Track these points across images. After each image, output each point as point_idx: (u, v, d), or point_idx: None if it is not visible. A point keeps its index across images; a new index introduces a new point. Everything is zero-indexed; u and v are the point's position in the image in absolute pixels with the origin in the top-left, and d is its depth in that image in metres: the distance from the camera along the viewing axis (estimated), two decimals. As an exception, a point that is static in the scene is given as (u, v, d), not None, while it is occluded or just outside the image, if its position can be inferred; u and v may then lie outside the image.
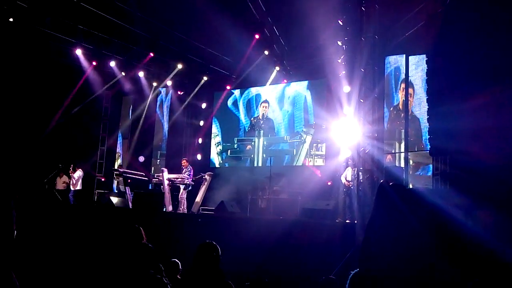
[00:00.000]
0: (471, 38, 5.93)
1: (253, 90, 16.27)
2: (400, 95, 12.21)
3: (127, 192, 12.64)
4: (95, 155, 17.34)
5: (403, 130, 11.80)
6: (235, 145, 16.36)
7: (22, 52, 14.15)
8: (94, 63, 15.88)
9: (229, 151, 16.56)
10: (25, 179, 14.26)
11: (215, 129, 16.96)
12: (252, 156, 15.90)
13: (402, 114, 12.06)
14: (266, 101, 15.96)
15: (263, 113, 15.96)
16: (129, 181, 13.69)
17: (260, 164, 15.50)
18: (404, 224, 1.94)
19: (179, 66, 15.69)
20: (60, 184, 14.49)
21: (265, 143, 15.72)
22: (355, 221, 8.55)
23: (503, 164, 5.21)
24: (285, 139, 15.28)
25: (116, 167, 16.11)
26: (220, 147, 16.73)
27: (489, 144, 5.46)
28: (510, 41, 5.54)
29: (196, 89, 16.82)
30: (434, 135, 6.63)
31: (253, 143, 15.92)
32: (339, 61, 11.17)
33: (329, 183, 12.17)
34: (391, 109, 12.42)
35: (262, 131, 15.77)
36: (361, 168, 8.84)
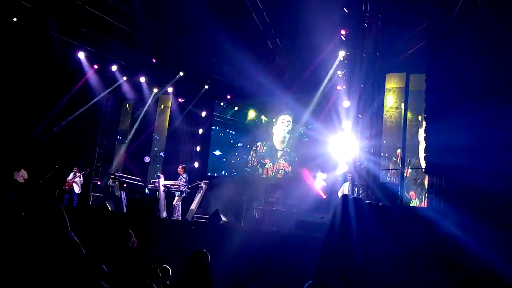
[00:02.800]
0: (468, 57, 5.98)
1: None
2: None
3: (123, 196, 12.59)
4: (92, 158, 17.38)
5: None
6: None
7: (25, 52, 14.15)
8: (95, 67, 15.91)
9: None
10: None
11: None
12: (250, 165, 15.94)
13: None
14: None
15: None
16: (125, 185, 13.68)
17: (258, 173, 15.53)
18: (369, 238, 1.92)
19: (181, 73, 15.75)
20: (19, 177, 14.42)
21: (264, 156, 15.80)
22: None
23: (499, 179, 5.22)
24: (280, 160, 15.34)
25: (112, 171, 16.06)
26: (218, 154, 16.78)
27: (485, 159, 5.48)
28: (506, 60, 5.59)
29: (197, 98, 16.85)
30: (430, 152, 6.64)
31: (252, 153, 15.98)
32: (340, 75, 11.21)
33: (324, 197, 12.13)
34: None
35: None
36: (357, 183, 8.85)
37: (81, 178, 15.13)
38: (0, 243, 1.77)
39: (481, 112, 5.46)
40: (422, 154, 10.57)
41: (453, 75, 6.05)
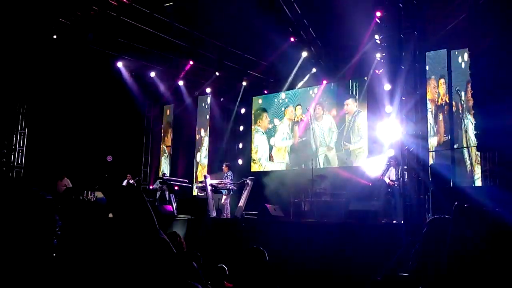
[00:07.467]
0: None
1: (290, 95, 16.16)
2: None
3: (172, 199, 12.86)
4: (139, 164, 17.85)
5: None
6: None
7: (66, 68, 14.61)
8: (134, 74, 16.29)
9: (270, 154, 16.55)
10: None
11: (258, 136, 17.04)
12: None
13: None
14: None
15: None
16: (175, 188, 13.99)
17: (303, 166, 15.39)
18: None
19: (217, 73, 15.90)
20: (60, 187, 14.64)
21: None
22: (402, 222, 8.37)
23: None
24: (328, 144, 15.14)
25: (160, 175, 16.43)
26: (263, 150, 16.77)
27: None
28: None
29: (236, 95, 16.95)
30: (481, 132, 6.38)
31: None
32: (378, 59, 10.99)
33: (370, 184, 11.95)
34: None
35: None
36: (405, 167, 8.65)
37: (135, 185, 15.52)
38: (90, 246, 1.81)
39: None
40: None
41: (499, 51, 5.78)
